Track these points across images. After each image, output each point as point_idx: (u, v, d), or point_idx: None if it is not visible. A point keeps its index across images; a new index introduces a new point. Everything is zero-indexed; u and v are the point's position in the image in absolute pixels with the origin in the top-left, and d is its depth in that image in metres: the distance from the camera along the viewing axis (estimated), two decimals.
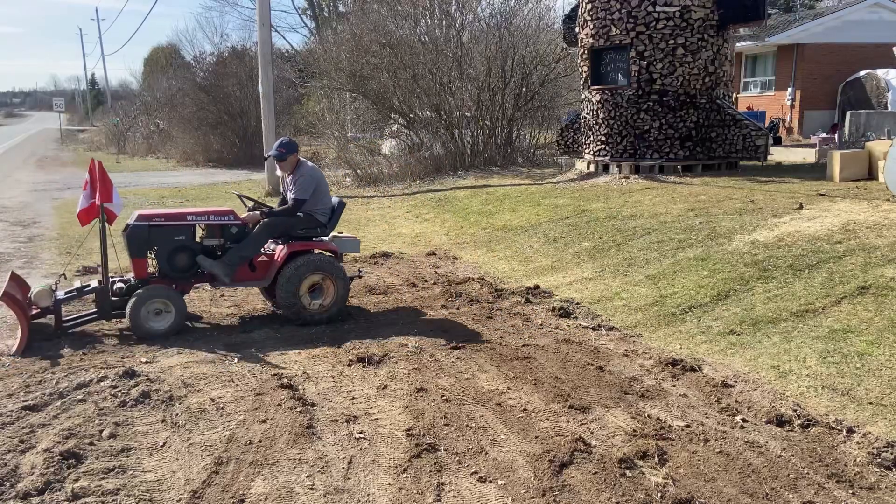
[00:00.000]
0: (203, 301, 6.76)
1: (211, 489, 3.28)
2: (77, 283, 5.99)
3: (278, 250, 6.00)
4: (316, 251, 6.04)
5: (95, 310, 5.72)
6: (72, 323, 5.66)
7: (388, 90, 17.85)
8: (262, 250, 6.06)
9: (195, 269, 5.85)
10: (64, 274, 6.55)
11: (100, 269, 5.91)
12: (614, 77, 13.10)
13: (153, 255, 5.77)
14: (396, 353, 5.12)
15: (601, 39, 12.92)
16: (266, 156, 6.54)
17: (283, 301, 5.86)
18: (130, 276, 5.89)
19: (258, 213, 6.06)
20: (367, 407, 4.20)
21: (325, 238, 6.26)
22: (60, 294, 5.63)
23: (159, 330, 5.51)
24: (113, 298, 5.67)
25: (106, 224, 5.71)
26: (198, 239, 5.95)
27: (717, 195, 9.77)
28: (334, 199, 6.44)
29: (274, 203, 6.66)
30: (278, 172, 6.45)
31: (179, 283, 5.82)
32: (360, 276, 6.77)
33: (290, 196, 6.10)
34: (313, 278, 5.88)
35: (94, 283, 5.79)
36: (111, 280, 5.75)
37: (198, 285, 6.29)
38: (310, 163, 6.33)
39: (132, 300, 5.48)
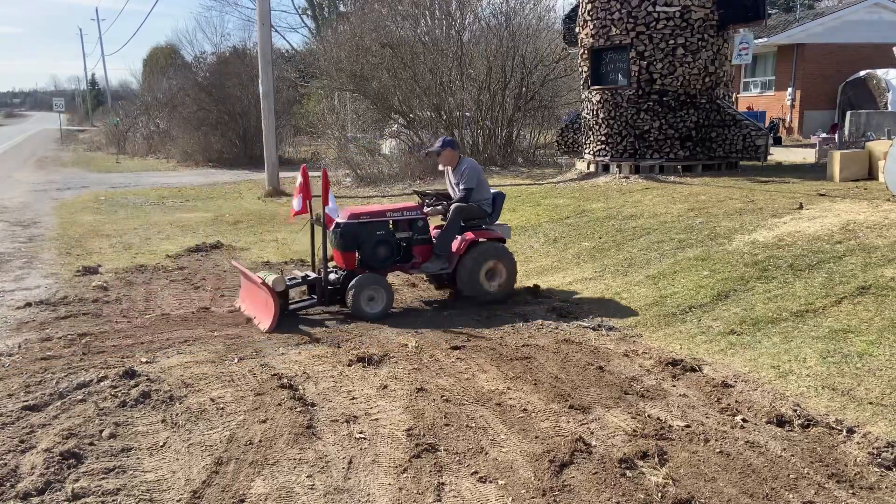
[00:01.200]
0: (203, 301, 6.76)
1: (211, 489, 3.28)
2: (300, 274, 6.62)
3: (457, 240, 6.65)
4: (492, 239, 6.70)
5: (314, 297, 6.41)
6: (296, 307, 6.32)
7: (389, 90, 17.86)
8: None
9: (392, 259, 6.57)
10: (287, 262, 7.59)
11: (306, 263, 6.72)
12: (614, 77, 13.10)
13: (358, 248, 6.46)
14: (396, 353, 5.12)
15: (601, 39, 12.92)
16: (426, 152, 7.31)
17: (464, 285, 6.55)
18: (334, 266, 6.61)
19: (439, 207, 6.74)
20: (367, 407, 4.20)
21: (492, 227, 6.89)
22: (288, 281, 6.32)
23: (373, 314, 6.14)
24: (329, 288, 6.34)
25: (317, 225, 6.47)
26: (395, 233, 6.63)
27: (718, 195, 9.77)
28: (493, 191, 7.01)
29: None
30: (441, 167, 7.09)
31: (378, 272, 6.48)
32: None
33: (460, 187, 6.71)
34: (489, 264, 6.56)
35: (312, 275, 6.48)
36: (328, 271, 6.42)
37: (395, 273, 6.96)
38: (470, 159, 6.96)
39: (352, 289, 6.13)
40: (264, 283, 5.89)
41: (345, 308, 6.31)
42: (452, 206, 6.62)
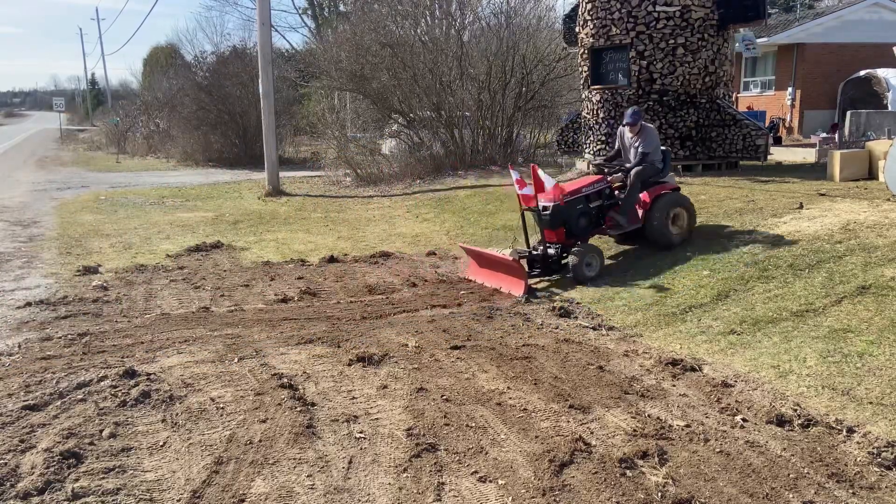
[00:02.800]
0: (203, 301, 6.76)
1: (211, 489, 3.28)
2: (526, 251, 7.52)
3: (641, 197, 7.60)
4: (672, 189, 7.71)
5: (539, 268, 7.43)
6: (529, 275, 7.27)
7: (389, 90, 17.85)
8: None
9: (591, 227, 7.62)
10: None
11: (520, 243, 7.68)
12: (614, 77, 13.09)
13: (565, 224, 7.43)
14: (396, 353, 5.12)
15: (601, 39, 12.92)
16: (624, 124, 8.15)
17: (654, 233, 7.56)
18: (540, 242, 7.48)
19: (619, 174, 7.68)
20: (367, 407, 4.20)
21: (665, 180, 7.84)
22: (517, 248, 7.62)
23: (591, 276, 7.14)
24: (550, 262, 7.40)
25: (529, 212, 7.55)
26: (590, 203, 7.57)
27: (718, 195, 9.76)
28: (662, 148, 7.96)
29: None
30: (622, 131, 8.01)
31: (582, 238, 7.53)
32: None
33: (639, 149, 7.61)
34: (675, 210, 7.59)
35: (534, 252, 7.49)
36: (547, 247, 7.42)
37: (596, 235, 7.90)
38: (650, 125, 7.96)
39: (573, 258, 7.16)
40: (508, 258, 7.04)
41: (565, 275, 7.26)
42: (633, 172, 7.54)
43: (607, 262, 7.64)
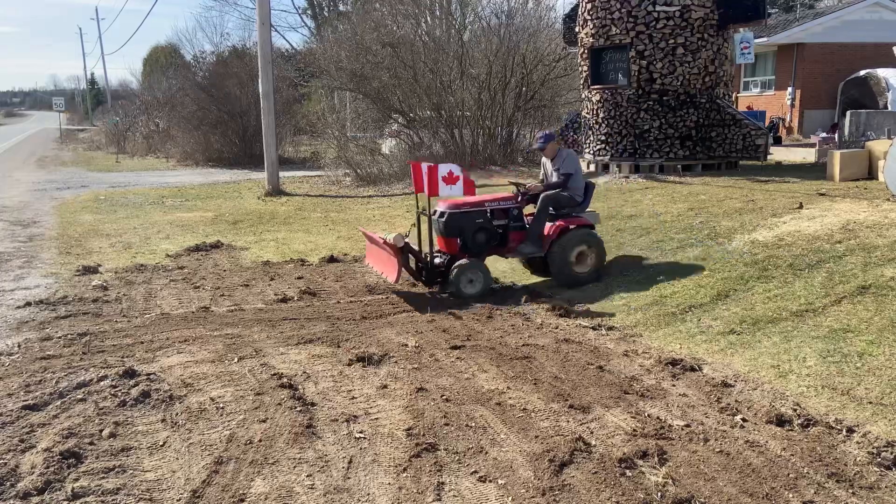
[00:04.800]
0: (203, 301, 6.76)
1: (211, 489, 3.28)
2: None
3: (548, 227, 7.19)
4: (582, 225, 7.23)
5: (424, 276, 7.10)
6: (407, 271, 7.02)
7: (389, 89, 17.85)
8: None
9: (489, 245, 7.20)
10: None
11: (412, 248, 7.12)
12: (614, 76, 13.09)
13: (460, 235, 7.08)
14: (396, 353, 5.12)
15: (601, 39, 12.92)
16: (532, 149, 8.10)
17: (556, 268, 7.13)
18: (439, 251, 7.20)
19: (539, 185, 7.43)
20: (367, 406, 4.20)
21: (582, 215, 7.40)
22: (406, 239, 7.00)
23: (471, 294, 6.76)
24: (434, 270, 7.05)
25: (425, 213, 7.09)
26: (492, 220, 7.21)
27: (717, 195, 9.77)
28: (586, 181, 7.53)
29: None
30: (543, 160, 7.63)
31: (478, 256, 7.11)
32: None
33: (560, 172, 7.25)
34: (580, 248, 7.12)
35: (426, 257, 7.13)
36: (434, 255, 7.12)
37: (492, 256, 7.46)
38: (568, 149, 7.61)
39: (455, 271, 6.80)
40: (385, 242, 6.74)
41: (446, 289, 6.94)
42: (542, 195, 7.21)
43: (607, 261, 7.63)
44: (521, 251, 7.24)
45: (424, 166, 6.86)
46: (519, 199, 7.31)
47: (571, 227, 7.13)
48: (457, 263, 6.86)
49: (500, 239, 7.27)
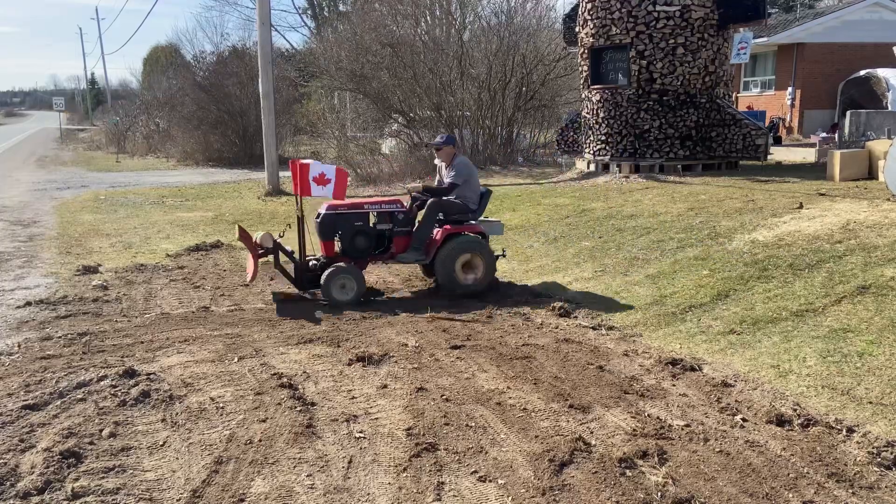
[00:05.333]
0: (203, 300, 6.76)
1: (211, 488, 3.28)
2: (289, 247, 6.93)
3: (436, 232, 6.92)
4: (467, 233, 6.93)
5: (295, 279, 6.80)
6: (281, 273, 6.84)
7: (389, 89, 17.86)
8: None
9: (371, 250, 6.94)
10: (290, 224, 7.45)
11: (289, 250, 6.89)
12: (614, 76, 13.10)
13: (338, 238, 6.86)
14: (396, 353, 5.12)
15: (601, 39, 12.92)
16: (428, 144, 7.73)
17: (441, 276, 6.81)
18: (320, 255, 6.97)
19: (419, 185, 7.19)
20: (367, 406, 4.20)
21: (474, 222, 7.13)
22: (278, 240, 6.74)
23: (344, 300, 6.49)
24: (308, 273, 6.78)
25: (302, 214, 6.76)
26: (374, 224, 6.99)
27: (717, 195, 9.77)
28: (482, 189, 7.31)
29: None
30: (437, 162, 7.40)
31: (359, 261, 6.87)
32: (503, 256, 7.50)
33: (446, 181, 7.03)
34: (466, 256, 6.79)
35: (307, 259, 6.87)
36: (307, 258, 6.84)
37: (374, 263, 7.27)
38: (465, 157, 7.33)
39: (326, 275, 6.51)
40: (242, 236, 6.50)
41: (321, 294, 6.62)
42: (429, 201, 6.91)
43: (607, 261, 7.64)
44: (404, 258, 6.96)
45: (298, 165, 6.61)
46: (411, 204, 7.02)
47: (461, 233, 6.83)
48: (329, 268, 6.55)
49: (384, 244, 7.01)
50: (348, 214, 6.84)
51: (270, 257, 6.85)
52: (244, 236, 6.70)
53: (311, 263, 6.83)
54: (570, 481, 3.33)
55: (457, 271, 6.78)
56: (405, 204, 7.09)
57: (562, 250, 8.47)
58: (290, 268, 6.89)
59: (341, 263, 6.64)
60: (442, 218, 7.00)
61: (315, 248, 7.07)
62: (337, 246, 6.92)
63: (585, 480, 3.33)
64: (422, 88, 17.26)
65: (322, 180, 6.64)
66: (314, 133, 21.97)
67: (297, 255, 6.81)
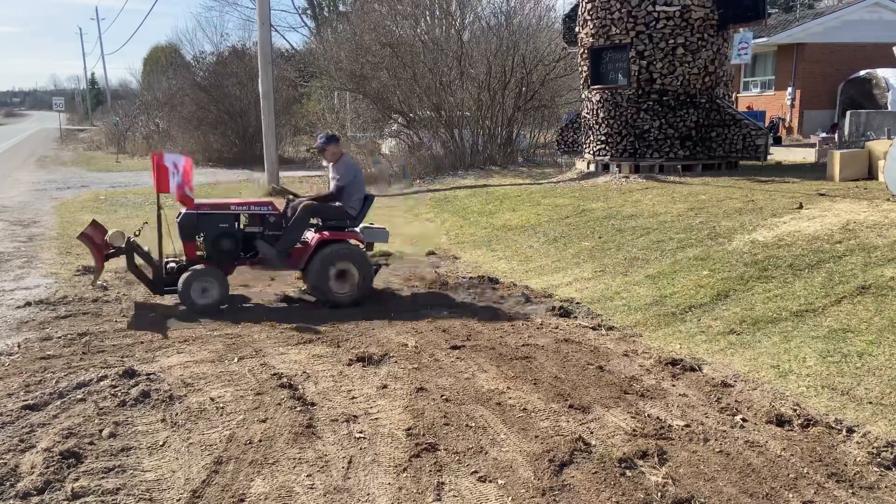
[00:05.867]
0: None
1: (211, 489, 3.28)
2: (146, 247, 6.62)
3: (311, 239, 6.62)
4: (345, 241, 6.63)
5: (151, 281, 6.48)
6: (136, 276, 6.49)
7: (389, 90, 17.87)
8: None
9: (238, 253, 6.58)
10: (147, 222, 6.94)
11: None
12: (614, 77, 13.10)
13: (201, 240, 6.52)
14: (396, 353, 5.12)
15: (601, 39, 12.92)
16: (313, 148, 7.25)
17: (312, 284, 6.52)
18: (183, 257, 6.65)
19: (306, 199, 6.76)
20: (367, 406, 4.20)
21: (356, 229, 6.82)
22: (132, 239, 6.43)
23: (203, 305, 6.18)
24: (166, 276, 6.45)
25: (162, 211, 6.44)
26: (242, 227, 6.68)
27: (717, 195, 9.76)
28: (366, 194, 6.96)
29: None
30: (324, 163, 7.06)
31: (224, 266, 6.53)
32: (386, 265, 7.35)
33: (332, 184, 6.73)
34: (340, 265, 6.48)
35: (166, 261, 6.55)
36: (166, 261, 6.54)
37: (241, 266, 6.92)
38: (351, 156, 7.00)
39: (184, 278, 6.19)
40: (83, 236, 6.23)
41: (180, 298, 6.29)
42: (302, 204, 6.62)
43: (607, 261, 7.63)
44: (269, 263, 6.60)
45: (156, 158, 6.28)
46: (285, 207, 6.71)
47: (337, 240, 6.52)
48: (188, 270, 6.23)
49: (254, 248, 6.66)
50: (212, 215, 6.45)
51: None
52: (94, 233, 6.35)
53: (168, 266, 6.48)
54: (570, 481, 3.33)
55: (330, 280, 6.45)
56: (278, 206, 6.72)
57: (561, 250, 8.47)
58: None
59: (201, 266, 6.30)
60: (320, 224, 6.69)
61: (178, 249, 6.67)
62: (201, 249, 6.55)
63: (585, 480, 3.33)
64: (421, 88, 17.27)
65: (176, 174, 6.28)
66: (314, 133, 21.96)
67: (154, 256, 6.43)
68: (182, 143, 26.99)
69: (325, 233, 6.58)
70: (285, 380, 4.55)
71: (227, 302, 6.38)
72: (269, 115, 15.64)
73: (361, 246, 6.89)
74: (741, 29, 13.18)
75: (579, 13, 13.73)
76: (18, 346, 5.37)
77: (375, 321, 6.03)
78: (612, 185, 11.92)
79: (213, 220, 6.47)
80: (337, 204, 6.68)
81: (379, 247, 8.16)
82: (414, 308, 6.45)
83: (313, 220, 6.78)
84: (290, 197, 6.90)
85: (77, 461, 3.51)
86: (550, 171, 15.23)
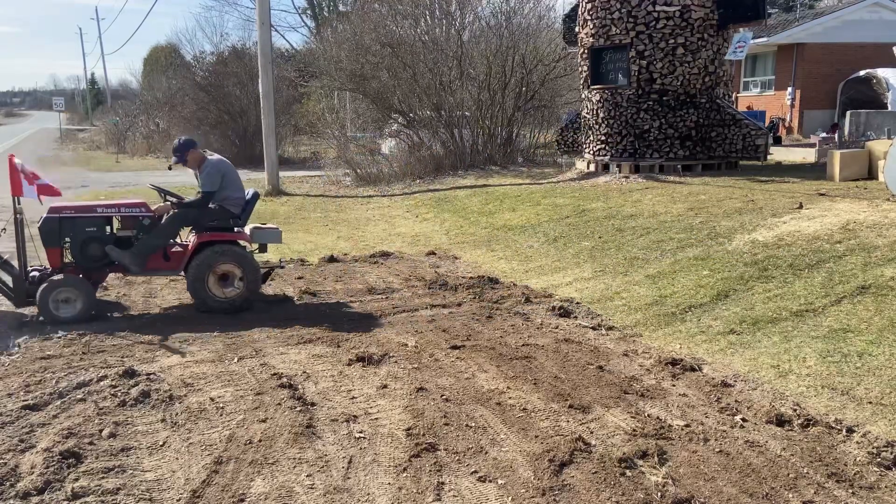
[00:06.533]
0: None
1: (211, 489, 3.28)
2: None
3: (191, 241, 6.30)
4: (228, 242, 6.28)
5: (9, 291, 6.02)
6: None
7: (389, 89, 17.87)
8: (177, 241, 6.42)
9: (108, 259, 6.13)
10: (5, 228, 6.56)
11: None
12: (614, 77, 13.10)
13: (67, 246, 6.11)
14: (396, 353, 5.12)
15: (601, 39, 12.92)
16: (169, 166, 6.93)
17: (190, 288, 6.20)
18: (47, 265, 6.21)
19: (168, 204, 6.32)
20: (366, 406, 4.20)
21: (242, 229, 6.46)
22: None
23: (66, 317, 5.80)
24: (28, 286, 5.99)
25: (21, 216, 6.06)
26: (114, 230, 6.27)
27: (717, 195, 9.76)
28: (249, 191, 6.60)
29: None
30: (189, 171, 6.60)
31: (93, 273, 6.17)
32: (282, 267, 7.15)
33: (200, 189, 6.32)
34: (222, 268, 6.17)
35: (15, 263, 6.08)
36: (28, 269, 6.10)
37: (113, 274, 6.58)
38: (216, 156, 6.49)
39: (41, 288, 5.80)
40: None
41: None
42: (171, 210, 6.23)
43: (607, 261, 7.63)
44: (127, 268, 6.14)
45: (11, 160, 5.98)
46: (160, 209, 6.28)
47: (217, 241, 6.18)
48: (48, 280, 5.83)
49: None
50: (77, 219, 6.03)
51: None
52: None
53: (31, 274, 6.04)
54: (570, 481, 3.33)
55: (210, 284, 6.12)
56: (151, 208, 6.32)
57: (561, 250, 8.47)
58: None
59: (61, 276, 5.89)
60: (207, 225, 6.33)
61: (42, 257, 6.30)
62: (68, 255, 6.15)
63: (585, 480, 3.33)
64: (421, 88, 17.26)
65: (33, 178, 5.97)
66: (314, 133, 21.98)
67: (14, 264, 6.05)
68: None
69: (205, 234, 6.24)
70: (285, 380, 4.55)
71: (95, 312, 6.00)
72: (269, 115, 15.64)
73: (251, 247, 6.58)
74: (741, 29, 13.17)
75: (579, 13, 13.73)
76: (18, 346, 5.37)
77: (375, 321, 6.03)
78: (612, 185, 11.92)
79: (79, 224, 6.04)
80: (212, 205, 6.27)
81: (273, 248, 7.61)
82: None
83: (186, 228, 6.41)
84: (164, 197, 6.45)
85: (77, 461, 3.51)
86: (550, 171, 15.22)
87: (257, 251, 6.75)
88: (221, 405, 4.21)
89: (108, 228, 6.23)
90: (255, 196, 6.65)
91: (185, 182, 18.88)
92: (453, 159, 16.79)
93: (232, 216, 6.36)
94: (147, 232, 6.20)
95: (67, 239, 6.08)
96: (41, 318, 5.88)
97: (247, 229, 6.56)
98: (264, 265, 6.84)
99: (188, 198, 6.43)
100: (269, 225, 6.83)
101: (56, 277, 5.88)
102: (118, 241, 6.17)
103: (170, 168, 6.74)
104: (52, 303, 5.81)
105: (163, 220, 6.21)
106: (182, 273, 6.29)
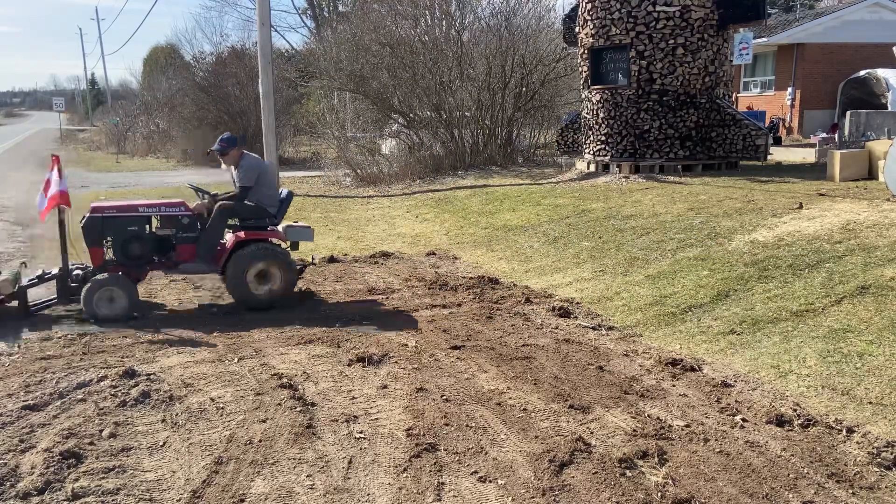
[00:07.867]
0: (203, 300, 6.76)
1: (211, 489, 3.28)
2: (39, 271, 6.39)
3: (228, 239, 6.42)
4: (264, 240, 6.39)
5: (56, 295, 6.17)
6: (36, 307, 6.18)
7: (388, 90, 17.86)
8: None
9: (149, 258, 6.31)
10: (25, 263, 6.90)
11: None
12: (614, 77, 13.10)
13: (108, 245, 6.25)
14: (396, 353, 5.12)
15: (601, 39, 12.92)
16: (208, 151, 6.94)
17: (229, 287, 6.33)
18: (89, 264, 6.33)
19: (204, 203, 6.47)
20: (367, 406, 4.20)
21: (277, 228, 6.60)
22: (24, 282, 6.12)
23: (110, 315, 5.90)
24: (71, 285, 6.11)
25: (66, 217, 6.16)
26: (154, 229, 6.40)
27: (717, 195, 9.76)
28: (283, 191, 6.80)
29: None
30: (223, 167, 6.81)
31: (133, 271, 6.27)
32: (314, 264, 7.25)
33: (236, 185, 6.49)
34: (259, 266, 6.26)
35: (54, 271, 6.21)
36: (70, 268, 6.21)
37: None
38: (254, 154, 6.70)
39: (86, 287, 5.90)
40: None
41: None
42: (217, 205, 6.37)
43: (607, 261, 7.63)
44: (186, 269, 6.35)
45: (56, 162, 6.03)
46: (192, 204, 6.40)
47: (255, 240, 6.28)
48: (93, 278, 5.94)
49: (165, 252, 6.39)
50: (119, 218, 6.17)
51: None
52: None
53: (74, 273, 6.14)
54: (570, 481, 3.33)
55: (249, 282, 6.21)
56: (191, 207, 6.45)
57: (562, 250, 8.47)
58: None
59: (105, 274, 6.00)
60: (238, 223, 6.46)
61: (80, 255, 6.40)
62: (109, 254, 6.27)
63: (585, 481, 3.33)
64: (421, 89, 17.26)
65: (46, 185, 6.00)
66: (314, 133, 21.97)
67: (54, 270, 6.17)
68: (182, 143, 26.99)
69: (241, 233, 6.34)
70: (285, 380, 4.55)
71: (138, 310, 6.09)
72: (269, 116, 15.62)
73: (284, 245, 6.68)
74: (741, 29, 13.18)
75: (579, 13, 13.73)
76: (18, 346, 5.37)
77: (375, 321, 6.03)
78: (612, 186, 11.92)
79: (121, 223, 6.17)
80: (250, 202, 6.40)
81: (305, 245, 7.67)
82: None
83: (232, 221, 6.52)
84: (205, 196, 6.57)
85: (77, 461, 3.51)
86: (550, 172, 15.22)
87: (290, 249, 6.87)
88: (221, 405, 4.21)
89: (147, 227, 6.35)
90: (290, 196, 6.80)
91: (185, 182, 18.89)
92: (453, 159, 16.78)
93: (268, 215, 6.51)
94: (186, 231, 6.34)
95: (109, 238, 6.22)
96: (84, 316, 5.97)
97: (279, 228, 6.71)
98: (298, 262, 6.96)
99: (226, 193, 6.60)
100: (300, 223, 6.97)
101: (100, 276, 5.99)
102: (158, 240, 6.35)
103: (207, 153, 6.79)
104: (97, 301, 5.90)
105: (211, 217, 6.35)
106: (220, 273, 6.40)
